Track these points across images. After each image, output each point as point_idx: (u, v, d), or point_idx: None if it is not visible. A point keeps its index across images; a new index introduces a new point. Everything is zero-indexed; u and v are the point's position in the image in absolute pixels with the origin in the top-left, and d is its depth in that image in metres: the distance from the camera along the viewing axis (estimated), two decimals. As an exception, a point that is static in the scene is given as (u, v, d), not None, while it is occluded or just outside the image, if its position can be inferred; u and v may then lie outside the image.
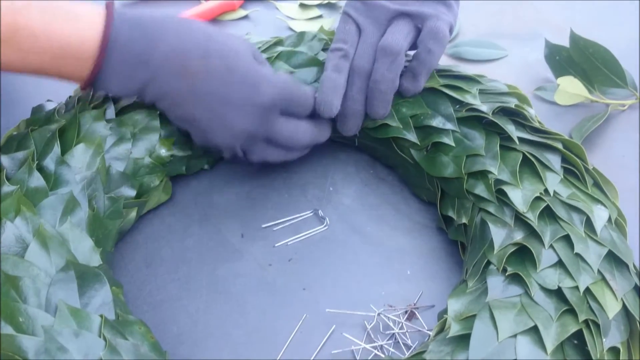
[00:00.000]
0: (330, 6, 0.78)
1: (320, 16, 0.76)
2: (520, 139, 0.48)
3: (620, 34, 0.70)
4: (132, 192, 0.49)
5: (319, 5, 0.78)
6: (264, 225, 0.52)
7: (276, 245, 0.51)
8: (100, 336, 0.36)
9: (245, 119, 0.47)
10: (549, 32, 0.70)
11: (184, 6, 0.77)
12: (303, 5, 0.78)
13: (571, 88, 0.61)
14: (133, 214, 0.50)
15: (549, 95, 0.63)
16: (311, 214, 0.53)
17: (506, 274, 0.41)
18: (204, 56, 0.45)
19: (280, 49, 0.55)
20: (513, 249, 0.42)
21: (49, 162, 0.46)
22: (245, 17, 0.76)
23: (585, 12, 0.75)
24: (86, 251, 0.42)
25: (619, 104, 0.62)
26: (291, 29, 0.74)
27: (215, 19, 0.76)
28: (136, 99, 0.51)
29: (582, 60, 0.61)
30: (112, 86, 0.45)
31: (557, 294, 0.39)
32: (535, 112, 0.51)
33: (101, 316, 0.37)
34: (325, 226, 0.52)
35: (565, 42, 0.61)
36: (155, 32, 0.44)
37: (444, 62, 0.67)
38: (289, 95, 0.48)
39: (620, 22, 0.73)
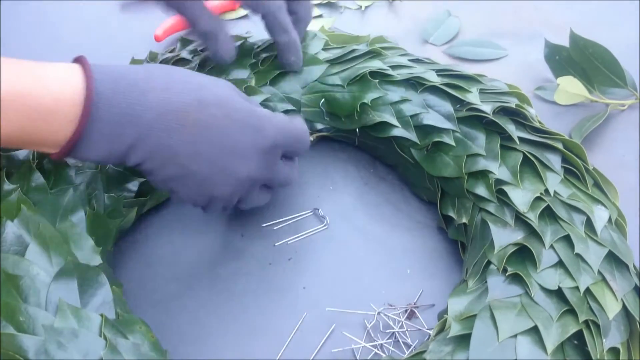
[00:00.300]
0: (330, 5, 0.78)
1: (320, 16, 0.76)
2: (521, 139, 0.48)
3: (620, 34, 0.70)
4: (132, 192, 0.49)
5: (319, 5, 0.78)
6: (264, 225, 0.52)
7: (276, 244, 0.51)
8: (100, 335, 0.36)
9: (251, 164, 0.44)
10: (549, 32, 0.70)
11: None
12: None
13: (571, 88, 0.60)
14: (133, 213, 0.50)
15: (549, 94, 0.63)
16: (311, 213, 0.53)
17: (506, 274, 0.41)
18: (201, 105, 0.41)
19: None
20: (513, 249, 0.42)
21: (49, 161, 0.46)
22: (245, 16, 0.76)
23: (585, 12, 0.75)
24: (86, 250, 0.42)
25: (619, 104, 0.62)
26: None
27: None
28: (113, 165, 0.47)
29: (582, 60, 0.61)
30: (94, 151, 0.39)
31: (558, 294, 0.39)
32: (536, 112, 0.51)
33: (101, 315, 0.37)
34: (325, 225, 0.52)
35: (565, 42, 0.61)
36: (143, 83, 0.40)
37: (445, 61, 0.67)
38: (289, 134, 0.46)
39: (620, 22, 0.73)
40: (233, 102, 0.43)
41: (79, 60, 0.39)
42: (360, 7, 0.78)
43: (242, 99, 0.45)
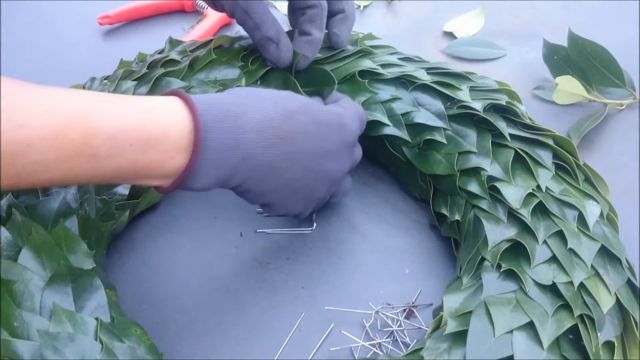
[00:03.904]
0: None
1: None
2: (512, 136, 0.48)
3: (618, 34, 0.70)
4: (124, 194, 0.49)
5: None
6: (258, 231, 0.52)
7: (257, 230, 0.52)
8: (96, 339, 0.36)
9: (343, 160, 0.47)
10: (548, 32, 0.70)
11: (185, 21, 0.77)
12: None
13: (569, 87, 0.61)
14: (125, 215, 0.49)
15: (547, 94, 0.64)
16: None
17: (501, 270, 0.41)
18: (289, 116, 0.42)
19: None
20: (507, 245, 0.42)
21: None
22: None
23: (583, 11, 0.76)
24: (79, 254, 0.41)
25: (617, 104, 0.62)
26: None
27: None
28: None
29: (580, 59, 0.61)
30: (204, 179, 0.40)
31: (552, 289, 0.39)
32: (534, 112, 0.51)
33: (97, 319, 0.37)
34: (310, 229, 0.52)
35: (563, 41, 0.62)
36: (237, 107, 0.41)
37: (441, 60, 0.67)
38: (361, 120, 0.49)
39: (619, 22, 0.74)
40: (313, 106, 0.45)
41: (174, 92, 0.40)
42: (359, 6, 0.79)
43: (317, 102, 0.47)
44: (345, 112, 0.47)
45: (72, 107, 0.34)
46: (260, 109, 0.42)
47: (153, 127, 0.37)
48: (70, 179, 0.36)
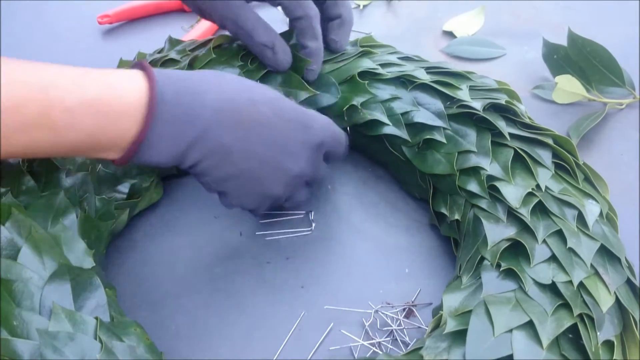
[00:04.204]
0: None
1: None
2: (511, 135, 0.48)
3: (618, 33, 0.70)
4: (123, 193, 0.49)
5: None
6: (257, 233, 0.52)
7: (257, 233, 0.52)
8: (96, 338, 0.36)
9: (301, 161, 0.46)
10: (548, 31, 0.70)
11: (184, 21, 0.78)
12: None
13: (569, 87, 0.60)
14: (125, 214, 0.49)
15: (547, 93, 0.63)
16: (302, 215, 0.54)
17: (500, 270, 0.41)
18: (252, 104, 0.43)
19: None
20: (506, 244, 0.42)
21: (39, 164, 0.45)
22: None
23: (583, 11, 0.76)
24: (79, 253, 0.41)
25: (617, 103, 0.62)
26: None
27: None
28: (171, 168, 0.47)
29: (580, 59, 0.61)
30: (156, 152, 0.40)
31: (551, 288, 0.39)
32: (534, 111, 0.51)
33: (96, 318, 0.37)
34: (309, 230, 0.52)
35: (563, 41, 0.62)
36: (199, 85, 0.41)
37: (440, 60, 0.67)
38: (334, 134, 0.48)
39: (618, 21, 0.73)
40: (282, 101, 0.45)
41: (139, 65, 0.41)
42: (359, 6, 0.79)
43: (288, 100, 0.46)
44: (317, 116, 0.47)
45: (35, 80, 0.35)
46: (224, 91, 0.42)
47: (112, 101, 0.38)
48: (31, 151, 0.37)
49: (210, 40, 0.56)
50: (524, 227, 0.43)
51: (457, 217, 0.48)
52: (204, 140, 0.41)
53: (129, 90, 0.38)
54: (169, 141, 0.40)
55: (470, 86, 0.51)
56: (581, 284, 0.39)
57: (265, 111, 0.43)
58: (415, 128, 0.51)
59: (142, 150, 0.40)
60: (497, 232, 0.43)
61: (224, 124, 0.41)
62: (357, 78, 0.53)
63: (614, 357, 0.37)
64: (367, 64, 0.54)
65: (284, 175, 0.45)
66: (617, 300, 0.39)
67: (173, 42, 0.59)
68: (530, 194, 0.44)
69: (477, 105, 0.49)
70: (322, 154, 0.48)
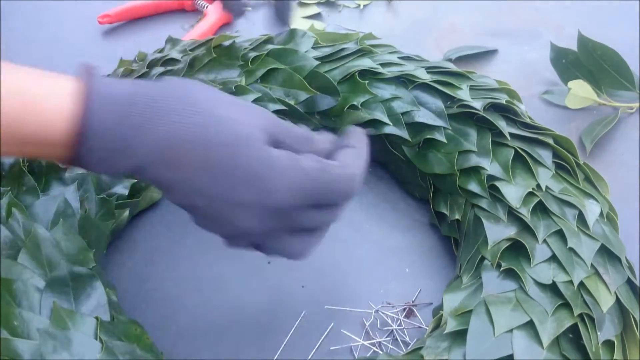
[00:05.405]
0: (329, 4, 0.78)
1: (319, 14, 0.76)
2: (512, 135, 0.48)
3: (619, 34, 0.70)
4: (123, 193, 0.49)
5: (318, 3, 0.78)
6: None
7: None
8: (96, 338, 0.36)
9: (254, 220, 0.36)
10: (548, 32, 0.70)
11: (184, 20, 0.78)
12: (302, 4, 0.78)
13: (582, 92, 0.60)
14: (126, 214, 0.49)
15: (557, 98, 0.62)
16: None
17: (501, 269, 0.41)
18: (205, 145, 0.35)
19: (270, 47, 0.55)
20: (507, 244, 0.42)
21: (40, 164, 0.45)
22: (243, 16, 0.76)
23: (584, 11, 0.76)
24: (79, 253, 0.41)
25: (627, 107, 0.61)
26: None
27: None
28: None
29: (590, 62, 0.60)
30: (97, 170, 0.35)
31: (552, 288, 0.39)
32: (542, 116, 0.51)
33: (96, 318, 0.37)
34: None
35: (564, 41, 0.61)
36: (146, 115, 0.34)
37: (440, 59, 0.67)
38: (316, 189, 0.37)
39: (620, 22, 0.73)
40: (247, 143, 0.35)
41: (84, 75, 0.34)
42: (359, 5, 0.79)
43: (260, 142, 0.36)
44: (287, 173, 0.36)
45: None
46: (181, 121, 0.35)
47: (39, 128, 0.33)
48: None
49: (210, 40, 0.56)
50: (525, 226, 0.43)
51: (457, 216, 0.48)
52: (142, 172, 0.35)
53: (54, 118, 0.33)
54: (105, 166, 0.35)
55: (470, 86, 0.51)
56: (581, 284, 0.39)
57: (220, 154, 0.35)
58: (416, 128, 0.51)
59: (82, 166, 0.35)
60: (497, 232, 0.43)
61: (162, 161, 0.35)
62: (357, 78, 0.53)
63: (614, 357, 0.37)
64: (367, 63, 0.54)
65: (235, 227, 0.37)
66: (618, 300, 0.40)
67: (173, 42, 0.59)
68: (530, 194, 0.44)
69: (478, 105, 0.49)
70: (299, 210, 0.37)
